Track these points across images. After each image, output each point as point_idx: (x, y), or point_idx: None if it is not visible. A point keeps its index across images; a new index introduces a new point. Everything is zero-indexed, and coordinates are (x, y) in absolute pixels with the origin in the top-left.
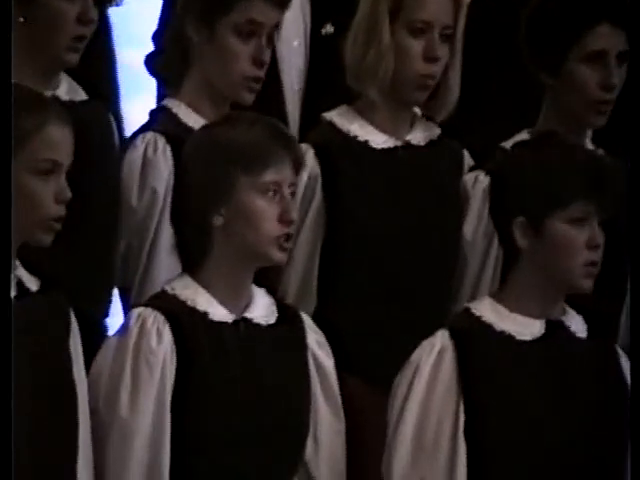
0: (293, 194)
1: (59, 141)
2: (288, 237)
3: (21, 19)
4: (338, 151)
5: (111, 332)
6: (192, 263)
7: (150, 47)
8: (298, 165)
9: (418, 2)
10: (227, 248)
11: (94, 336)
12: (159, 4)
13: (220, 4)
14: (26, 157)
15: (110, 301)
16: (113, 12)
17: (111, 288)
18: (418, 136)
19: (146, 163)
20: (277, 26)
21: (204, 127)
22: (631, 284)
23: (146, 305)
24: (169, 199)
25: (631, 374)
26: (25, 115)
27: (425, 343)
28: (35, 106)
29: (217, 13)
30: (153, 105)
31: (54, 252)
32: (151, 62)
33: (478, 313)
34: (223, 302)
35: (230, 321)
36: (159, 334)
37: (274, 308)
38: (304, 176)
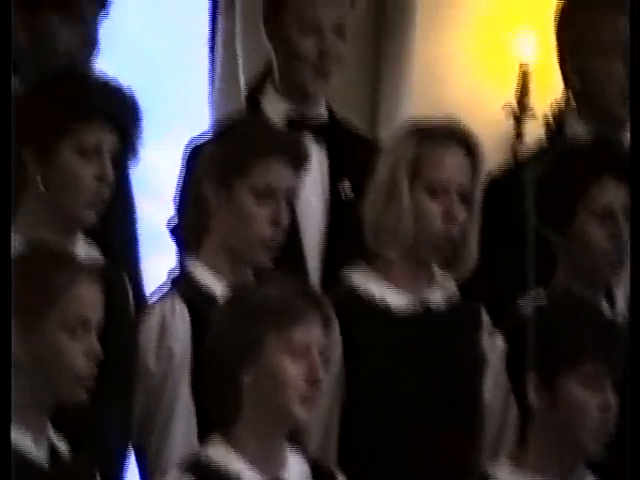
0: (323, 354)
1: (89, 298)
2: (314, 397)
3: (41, 187)
4: (357, 311)
5: None
6: (223, 424)
7: (168, 203)
8: (328, 325)
9: (436, 164)
10: (256, 407)
11: None
12: (178, 158)
13: (238, 167)
14: (57, 314)
15: (126, 463)
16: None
17: (127, 451)
18: (437, 296)
19: (163, 325)
20: (295, 189)
21: (233, 289)
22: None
23: (180, 469)
24: (186, 361)
25: (630, 375)
26: (56, 273)
27: None
28: (65, 264)
29: (235, 176)
30: (173, 261)
31: (76, 414)
32: (173, 227)
33: (497, 478)
34: (255, 466)
35: None
36: None
37: (307, 470)
38: None
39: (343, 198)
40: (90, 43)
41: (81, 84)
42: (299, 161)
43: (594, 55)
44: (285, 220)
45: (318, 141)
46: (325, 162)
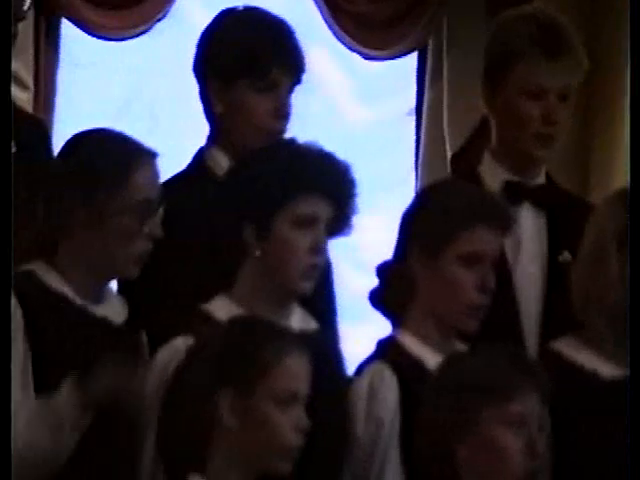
0: (542, 427)
1: (298, 372)
2: (535, 471)
3: (257, 253)
4: (563, 381)
5: None
6: None
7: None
8: (545, 397)
9: None
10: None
11: None
12: (389, 233)
13: (443, 235)
14: (267, 387)
15: None
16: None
17: None
18: None
19: (372, 393)
20: (499, 253)
21: (447, 360)
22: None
23: None
24: (395, 430)
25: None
26: (266, 346)
27: None
28: (275, 338)
29: (440, 243)
30: (377, 335)
31: None
32: (375, 297)
33: None
34: None
35: None
36: None
37: None
38: None
39: (562, 264)
40: (284, 114)
41: (298, 156)
42: (504, 224)
43: None
44: (492, 284)
45: (537, 208)
46: (544, 229)
